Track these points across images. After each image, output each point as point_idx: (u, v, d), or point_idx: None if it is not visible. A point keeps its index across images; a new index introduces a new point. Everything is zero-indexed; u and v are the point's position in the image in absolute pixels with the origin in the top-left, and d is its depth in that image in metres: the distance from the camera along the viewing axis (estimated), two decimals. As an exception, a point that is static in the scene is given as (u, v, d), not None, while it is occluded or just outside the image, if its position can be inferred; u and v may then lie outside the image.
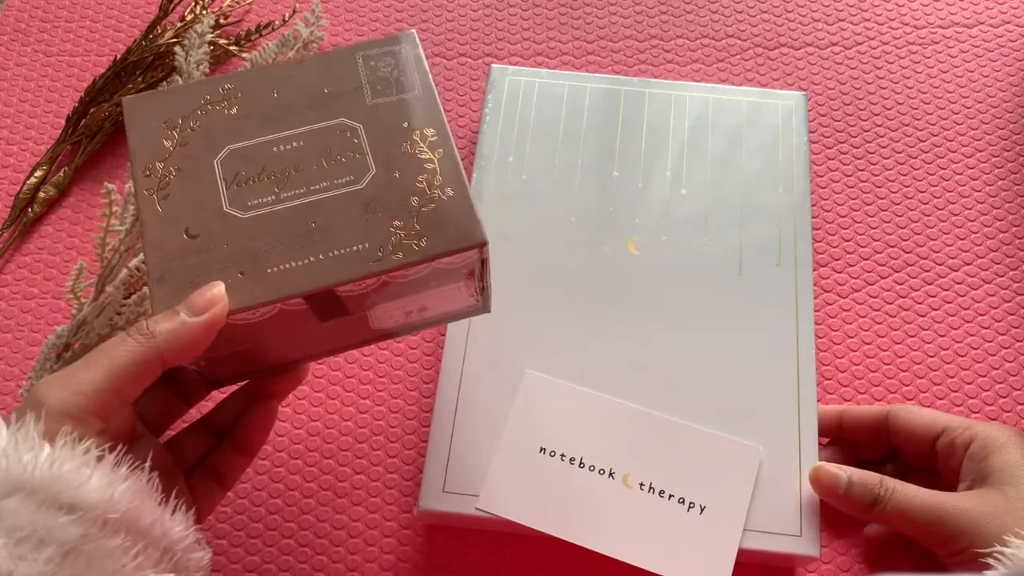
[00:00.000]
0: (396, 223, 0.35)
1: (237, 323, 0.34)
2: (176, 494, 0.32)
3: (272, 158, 0.36)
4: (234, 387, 0.40)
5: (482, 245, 0.35)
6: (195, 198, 0.35)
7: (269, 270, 0.34)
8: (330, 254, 0.34)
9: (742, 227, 0.51)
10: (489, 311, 0.41)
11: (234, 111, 0.37)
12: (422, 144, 0.37)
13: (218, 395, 0.39)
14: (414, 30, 0.40)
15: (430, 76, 0.38)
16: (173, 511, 0.31)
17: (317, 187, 0.35)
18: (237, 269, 0.34)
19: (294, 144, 0.36)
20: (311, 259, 0.34)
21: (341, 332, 0.38)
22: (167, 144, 0.36)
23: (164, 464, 0.35)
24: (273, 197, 0.35)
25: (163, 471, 0.33)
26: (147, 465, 0.31)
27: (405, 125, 0.37)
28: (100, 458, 0.29)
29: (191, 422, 0.39)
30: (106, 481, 0.29)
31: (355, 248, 0.34)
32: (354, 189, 0.35)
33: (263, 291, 0.33)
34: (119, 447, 0.30)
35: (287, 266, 0.34)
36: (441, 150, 0.37)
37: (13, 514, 0.27)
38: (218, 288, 0.33)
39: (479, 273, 0.37)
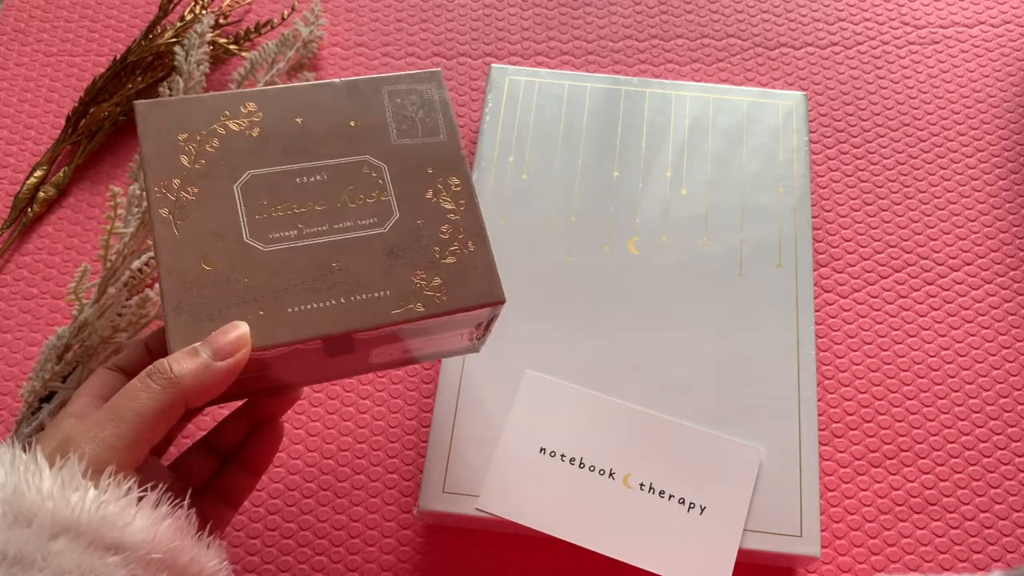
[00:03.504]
0: (419, 273, 0.35)
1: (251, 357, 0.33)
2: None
3: (295, 190, 0.35)
4: (230, 405, 0.40)
5: (500, 303, 0.36)
6: (214, 224, 0.34)
7: (290, 309, 0.33)
8: (352, 298, 0.34)
9: (742, 227, 0.51)
10: (479, 352, 0.42)
11: (255, 133, 0.36)
12: (446, 193, 0.37)
13: (215, 410, 0.39)
14: (440, 69, 0.40)
15: (455, 122, 0.38)
16: (208, 546, 0.32)
17: (340, 226, 0.35)
18: (257, 306, 0.33)
19: (317, 177, 0.36)
20: (332, 302, 0.34)
21: (341, 365, 0.38)
22: (184, 161, 0.35)
23: (174, 489, 0.35)
24: (295, 232, 0.35)
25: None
26: (186, 503, 0.31)
27: (430, 171, 0.37)
28: (142, 498, 0.29)
29: (191, 444, 0.39)
30: (149, 521, 0.29)
31: (377, 295, 0.34)
32: (377, 232, 0.35)
33: (284, 331, 0.33)
34: (160, 486, 0.30)
35: (308, 307, 0.34)
36: (463, 201, 0.37)
37: (60, 556, 0.27)
38: (243, 330, 0.32)
39: (486, 324, 0.38)
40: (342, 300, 0.34)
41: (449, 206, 0.37)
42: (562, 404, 0.46)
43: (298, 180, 0.36)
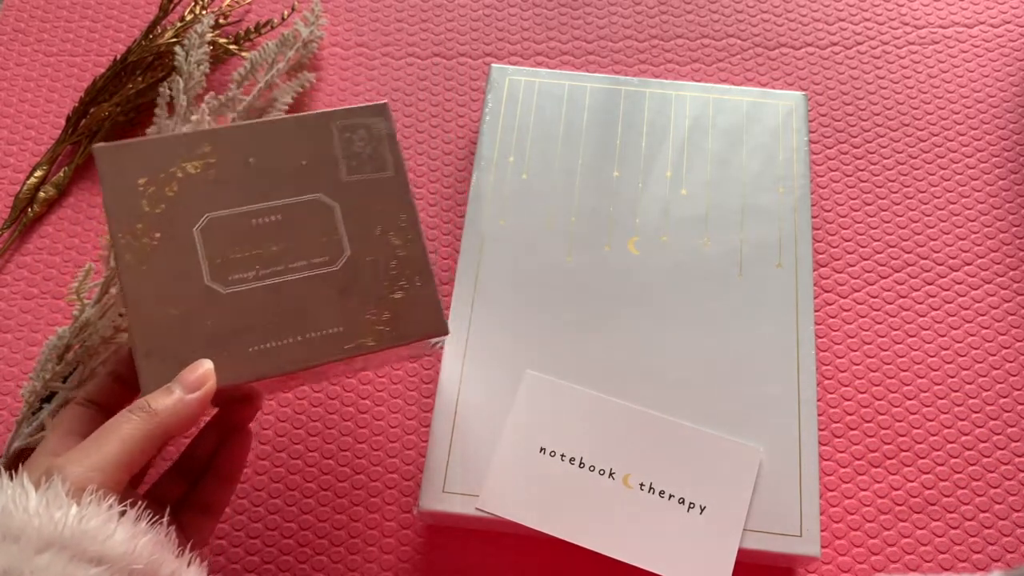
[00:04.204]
0: (369, 308, 0.38)
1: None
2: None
3: (251, 231, 0.37)
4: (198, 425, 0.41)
5: (444, 335, 0.38)
6: (177, 269, 0.36)
7: (251, 349, 0.36)
8: (308, 335, 0.37)
9: (742, 227, 0.51)
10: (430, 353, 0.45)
11: (210, 175, 0.38)
12: (393, 229, 0.39)
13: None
14: (386, 101, 0.41)
15: (402, 155, 0.40)
16: (189, 563, 0.33)
17: (295, 266, 0.37)
18: (222, 347, 0.36)
19: (272, 218, 0.38)
20: (290, 340, 0.37)
21: (300, 381, 0.41)
22: (145, 206, 0.37)
23: (152, 508, 0.36)
24: (253, 274, 0.37)
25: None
26: (165, 520, 0.33)
27: (379, 208, 0.39)
28: (123, 513, 0.31)
29: (166, 468, 0.40)
30: (129, 534, 0.31)
31: (331, 331, 0.37)
32: (330, 271, 0.38)
33: (246, 370, 0.36)
34: (140, 503, 0.32)
35: (268, 346, 0.36)
36: (411, 236, 0.39)
37: (45, 569, 0.29)
38: (207, 366, 0.35)
39: (435, 343, 0.40)
40: (298, 338, 0.37)
41: (397, 242, 0.39)
42: (562, 404, 0.46)
43: (254, 222, 0.38)
